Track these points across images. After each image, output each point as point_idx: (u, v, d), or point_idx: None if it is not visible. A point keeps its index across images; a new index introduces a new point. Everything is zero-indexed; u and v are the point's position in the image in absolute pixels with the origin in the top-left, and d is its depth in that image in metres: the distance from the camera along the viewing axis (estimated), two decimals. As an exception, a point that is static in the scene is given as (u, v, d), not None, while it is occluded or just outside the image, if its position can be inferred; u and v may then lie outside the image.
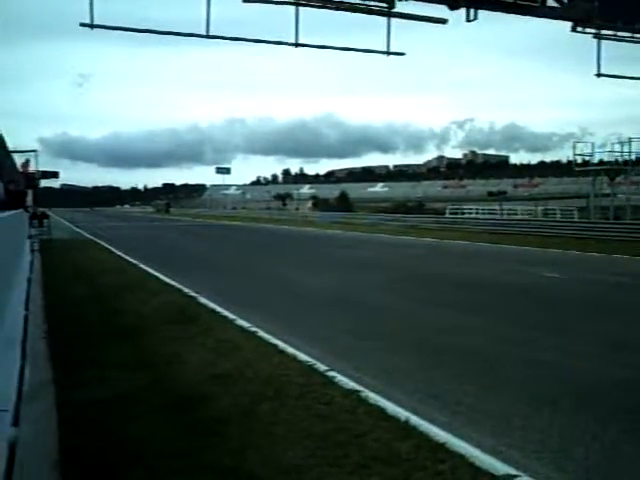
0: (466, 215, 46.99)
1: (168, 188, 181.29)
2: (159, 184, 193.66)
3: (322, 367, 6.78)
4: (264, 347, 7.78)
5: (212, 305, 10.81)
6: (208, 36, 16.67)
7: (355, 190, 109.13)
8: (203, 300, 11.37)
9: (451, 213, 48.11)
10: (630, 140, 35.26)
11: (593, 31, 19.68)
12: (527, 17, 18.78)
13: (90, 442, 4.68)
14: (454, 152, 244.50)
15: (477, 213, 47.76)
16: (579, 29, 19.57)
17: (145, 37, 17.20)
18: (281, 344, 7.88)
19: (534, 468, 4.41)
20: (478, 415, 5.51)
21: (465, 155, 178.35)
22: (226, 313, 10.03)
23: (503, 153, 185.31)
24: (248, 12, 16.94)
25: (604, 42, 19.84)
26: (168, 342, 8.06)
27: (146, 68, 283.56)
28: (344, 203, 71.87)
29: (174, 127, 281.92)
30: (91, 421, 5.13)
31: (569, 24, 19.48)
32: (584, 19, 19.27)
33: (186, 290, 12.52)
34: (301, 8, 16.66)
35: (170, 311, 10.03)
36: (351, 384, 6.18)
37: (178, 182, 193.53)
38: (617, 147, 35.68)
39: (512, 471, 4.31)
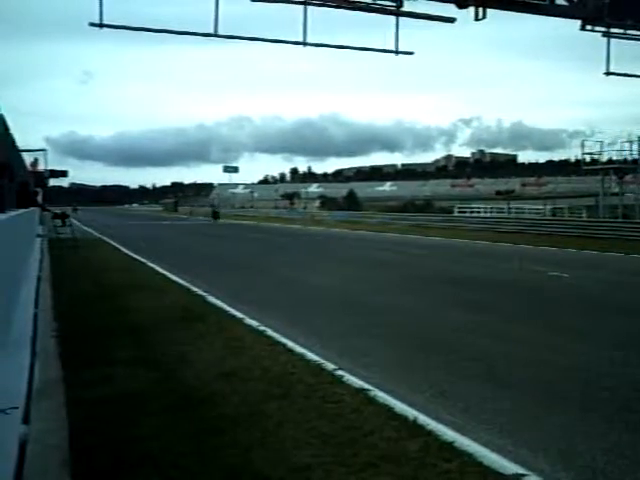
0: (474, 214, 46.96)
1: (177, 187, 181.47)
2: (167, 183, 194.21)
3: (330, 366, 6.79)
4: (272, 346, 7.80)
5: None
6: (216, 35, 16.70)
7: (363, 189, 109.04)
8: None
9: (459, 212, 48.07)
10: (639, 138, 35.16)
11: (602, 29, 19.62)
12: (536, 15, 18.77)
13: (98, 440, 4.69)
14: (462, 150, 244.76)
15: (485, 212, 47.73)
16: (588, 27, 19.51)
17: (151, 35, 17.22)
18: (290, 343, 7.90)
19: (542, 467, 4.41)
20: (486, 414, 5.50)
21: (473, 154, 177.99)
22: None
23: (511, 152, 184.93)
24: (256, 11, 16.97)
25: (613, 40, 19.77)
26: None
27: (152, 66, 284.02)
28: (352, 202, 71.92)
29: (181, 126, 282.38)
30: (100, 419, 5.15)
31: (578, 22, 19.44)
32: (593, 17, 19.19)
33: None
34: (309, 7, 16.71)
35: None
36: (359, 383, 6.19)
37: (186, 181, 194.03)
38: (626, 145, 35.62)
39: (520, 470, 4.31)
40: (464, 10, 17.67)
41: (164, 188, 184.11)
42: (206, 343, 7.90)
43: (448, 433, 4.90)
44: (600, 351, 7.88)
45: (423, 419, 5.20)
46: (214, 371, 6.58)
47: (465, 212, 48.25)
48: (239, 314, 9.86)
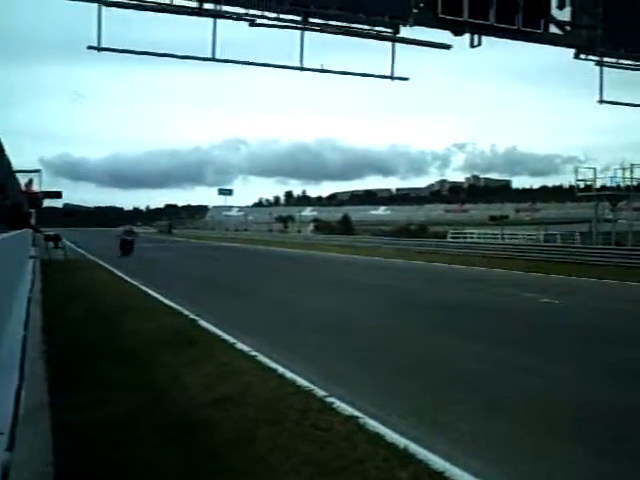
0: (468, 239, 47.05)
1: (170, 209, 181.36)
2: (161, 205, 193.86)
3: (321, 392, 6.73)
4: (263, 371, 7.74)
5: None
6: (214, 59, 16.78)
7: (357, 213, 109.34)
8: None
9: (452, 237, 48.13)
10: (632, 166, 35.39)
11: (596, 58, 19.81)
12: (531, 43, 18.94)
13: (86, 466, 4.63)
14: (456, 175, 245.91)
15: (479, 237, 47.81)
16: (582, 56, 19.72)
17: (147, 58, 17.29)
18: (281, 368, 7.83)
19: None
20: (476, 443, 5.45)
21: (467, 179, 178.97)
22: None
23: (505, 177, 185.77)
24: (253, 35, 17.07)
25: (607, 69, 19.95)
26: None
27: (148, 89, 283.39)
28: (346, 226, 72.07)
29: (176, 148, 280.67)
30: (88, 444, 5.08)
31: (572, 50, 19.65)
32: (587, 46, 19.41)
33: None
34: (306, 32, 16.83)
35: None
36: (350, 410, 6.13)
37: (180, 203, 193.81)
38: (619, 172, 35.82)
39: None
40: (460, 37, 17.91)
41: (158, 210, 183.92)
42: (198, 368, 7.84)
43: (438, 462, 4.85)
44: (592, 381, 7.86)
45: (414, 448, 5.15)
46: (206, 396, 6.52)
47: (458, 237, 48.32)
48: (231, 339, 9.79)
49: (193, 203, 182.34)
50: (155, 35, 20.97)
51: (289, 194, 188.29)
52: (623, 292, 19.24)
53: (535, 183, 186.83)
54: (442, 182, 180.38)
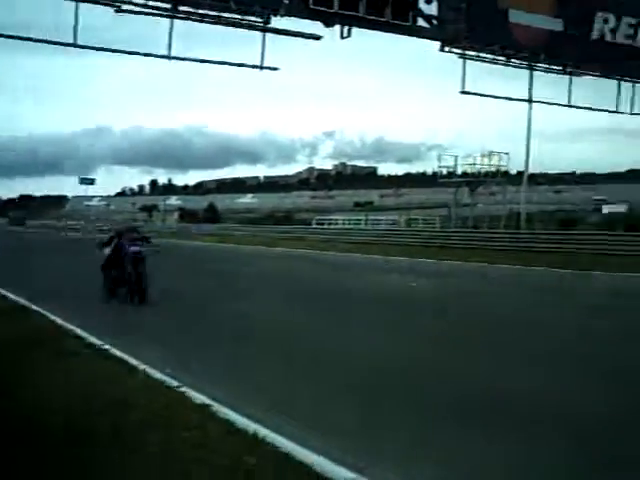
0: (332, 226, 47.75)
1: (25, 200, 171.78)
2: (16, 195, 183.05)
3: (174, 383, 6.49)
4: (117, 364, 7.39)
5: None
6: (75, 45, 16.04)
7: (224, 201, 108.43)
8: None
9: (318, 224, 48.75)
10: (490, 153, 37.20)
11: (459, 51, 20.66)
12: (400, 35, 19.42)
13: None
14: (324, 163, 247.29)
15: (343, 223, 48.67)
16: (446, 49, 20.51)
17: (2, 40, 16.24)
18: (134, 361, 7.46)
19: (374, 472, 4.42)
20: (323, 422, 5.49)
21: (335, 166, 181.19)
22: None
23: (372, 164, 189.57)
24: (120, 22, 16.44)
25: (474, 61, 20.87)
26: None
27: (1, 74, 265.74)
28: (212, 214, 71.48)
29: (33, 136, 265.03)
30: None
31: (438, 43, 20.40)
32: (452, 40, 20.22)
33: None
34: (176, 21, 16.39)
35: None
36: (202, 398, 5.94)
37: (38, 193, 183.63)
38: (479, 159, 37.56)
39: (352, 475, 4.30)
40: (330, 28, 18.09)
41: (11, 201, 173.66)
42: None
43: (287, 445, 4.81)
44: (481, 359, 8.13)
45: (264, 432, 5.05)
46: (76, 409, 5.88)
47: (323, 224, 48.95)
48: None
49: (52, 193, 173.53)
50: (14, 17, 19.65)
51: (154, 183, 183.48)
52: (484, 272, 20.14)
53: (401, 170, 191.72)
54: (310, 170, 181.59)
